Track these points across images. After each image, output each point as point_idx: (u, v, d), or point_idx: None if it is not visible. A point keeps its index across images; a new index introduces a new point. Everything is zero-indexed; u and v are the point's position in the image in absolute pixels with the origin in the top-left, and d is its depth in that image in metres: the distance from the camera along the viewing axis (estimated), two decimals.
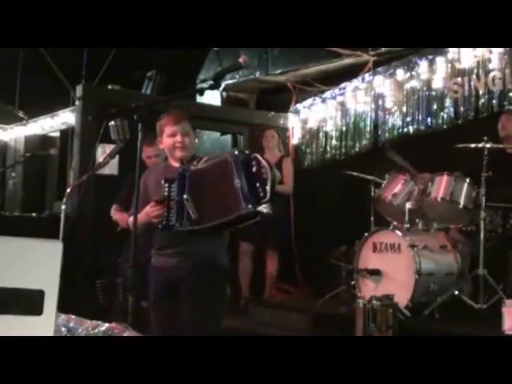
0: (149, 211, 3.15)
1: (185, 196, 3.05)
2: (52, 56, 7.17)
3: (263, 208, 2.95)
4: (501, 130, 5.12)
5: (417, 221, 5.38)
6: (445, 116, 5.93)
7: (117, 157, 5.26)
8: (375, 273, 5.10)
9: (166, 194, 3.10)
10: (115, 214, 4.79)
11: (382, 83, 6.46)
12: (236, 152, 3.05)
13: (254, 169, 2.95)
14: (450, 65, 5.85)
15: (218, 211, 3.04)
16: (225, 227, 3.18)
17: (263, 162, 2.94)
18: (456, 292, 4.81)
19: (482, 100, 5.62)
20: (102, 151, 5.82)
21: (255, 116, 7.67)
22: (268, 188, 2.90)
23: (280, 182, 6.26)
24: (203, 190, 3.08)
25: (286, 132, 7.44)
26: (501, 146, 4.98)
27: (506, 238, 4.92)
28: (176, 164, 3.29)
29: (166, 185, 3.11)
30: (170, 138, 3.30)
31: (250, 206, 2.92)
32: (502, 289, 4.71)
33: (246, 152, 3.12)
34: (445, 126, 5.92)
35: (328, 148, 7.15)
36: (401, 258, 4.99)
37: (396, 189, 5.42)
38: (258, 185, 2.93)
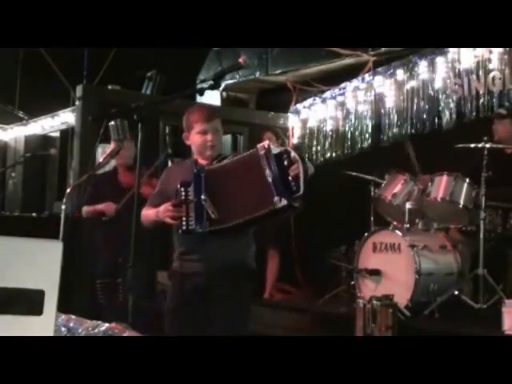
0: (163, 210, 3.04)
1: (202, 196, 2.94)
2: (52, 56, 7.19)
3: (295, 202, 2.83)
4: (494, 134, 5.13)
5: (417, 221, 5.38)
6: (444, 116, 5.93)
7: None
8: (375, 273, 5.10)
9: (183, 197, 2.98)
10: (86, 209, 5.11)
11: (382, 83, 6.45)
12: (266, 145, 2.91)
13: (286, 162, 2.82)
14: (450, 65, 5.84)
15: (244, 208, 2.91)
16: (248, 225, 3.05)
17: (295, 156, 2.82)
18: (456, 292, 4.81)
19: (482, 100, 5.61)
20: (102, 151, 5.81)
21: (255, 116, 7.67)
22: (301, 182, 2.78)
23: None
24: (223, 187, 2.97)
25: (286, 132, 7.44)
26: (500, 146, 4.98)
27: (506, 238, 4.93)
28: (204, 161, 3.20)
29: (183, 189, 2.98)
30: (200, 135, 3.18)
31: (283, 200, 2.78)
32: (501, 289, 4.71)
33: (276, 146, 3.00)
34: (444, 126, 5.92)
35: (328, 148, 7.15)
36: (401, 258, 4.99)
37: (396, 189, 5.42)
38: (290, 178, 2.80)
